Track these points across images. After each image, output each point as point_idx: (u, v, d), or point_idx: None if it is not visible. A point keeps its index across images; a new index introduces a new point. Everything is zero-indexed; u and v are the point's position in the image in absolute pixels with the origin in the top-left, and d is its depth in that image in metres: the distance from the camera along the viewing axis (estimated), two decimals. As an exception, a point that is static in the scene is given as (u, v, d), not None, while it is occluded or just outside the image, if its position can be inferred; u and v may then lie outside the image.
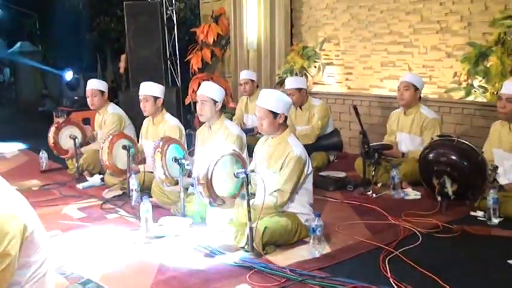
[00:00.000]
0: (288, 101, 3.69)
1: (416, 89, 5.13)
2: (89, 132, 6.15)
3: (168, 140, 4.34)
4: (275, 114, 3.60)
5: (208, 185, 3.49)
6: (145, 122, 5.32)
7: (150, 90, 5.05)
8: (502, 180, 4.31)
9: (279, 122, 3.63)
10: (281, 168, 3.59)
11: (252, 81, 6.79)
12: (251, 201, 3.49)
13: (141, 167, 4.86)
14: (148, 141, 5.16)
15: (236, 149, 3.74)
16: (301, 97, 5.93)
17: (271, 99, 3.62)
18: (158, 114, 5.12)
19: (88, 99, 5.92)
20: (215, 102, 4.30)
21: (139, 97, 5.09)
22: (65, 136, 5.83)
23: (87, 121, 7.44)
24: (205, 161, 3.52)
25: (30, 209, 2.30)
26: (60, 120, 6.16)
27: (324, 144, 5.89)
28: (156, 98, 5.05)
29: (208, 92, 4.32)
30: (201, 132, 4.55)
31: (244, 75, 6.85)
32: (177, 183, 4.24)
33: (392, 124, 5.38)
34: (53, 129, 5.86)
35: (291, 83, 5.97)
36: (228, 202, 3.59)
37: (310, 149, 5.62)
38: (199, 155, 4.46)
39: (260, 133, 6.52)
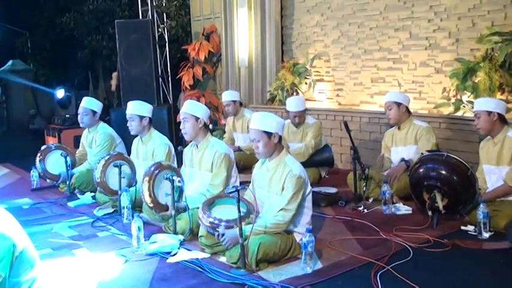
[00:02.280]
0: (280, 121, 3.70)
1: (399, 105, 5.18)
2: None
3: (158, 167, 4.36)
4: (269, 134, 3.61)
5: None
6: (134, 141, 5.32)
7: (135, 109, 5.07)
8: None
9: (274, 142, 3.64)
10: (282, 189, 3.61)
11: (234, 101, 6.80)
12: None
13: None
14: (139, 161, 5.16)
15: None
16: (304, 117, 5.96)
17: (263, 120, 3.64)
18: (146, 133, 5.12)
19: (79, 116, 5.93)
20: (197, 119, 4.29)
21: (126, 116, 5.11)
22: (54, 161, 5.84)
23: (78, 139, 7.44)
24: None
25: (18, 227, 2.28)
26: (44, 147, 6.13)
27: (315, 160, 5.90)
28: (141, 117, 5.06)
29: (189, 109, 4.32)
30: (188, 152, 4.53)
31: (225, 97, 6.85)
32: (167, 209, 4.29)
33: (387, 141, 5.41)
34: (37, 159, 5.86)
35: (292, 106, 5.89)
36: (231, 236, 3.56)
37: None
38: (189, 175, 4.48)
39: (240, 150, 6.57)
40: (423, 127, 5.14)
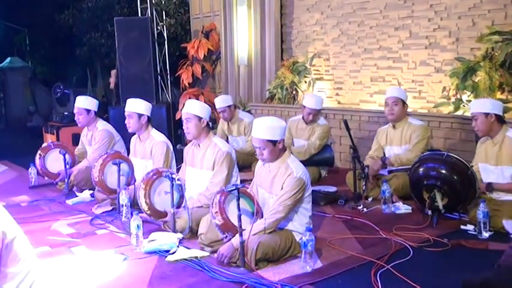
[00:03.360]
0: (283, 125, 3.66)
1: (404, 103, 5.18)
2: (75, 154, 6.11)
3: (156, 173, 4.33)
4: (274, 142, 3.59)
5: (226, 220, 3.56)
6: (132, 139, 5.29)
7: (133, 107, 5.05)
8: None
9: (279, 148, 3.62)
10: (281, 189, 3.59)
11: (229, 107, 6.72)
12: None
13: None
14: (137, 159, 5.14)
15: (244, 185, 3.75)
16: (317, 116, 5.96)
17: (266, 128, 3.59)
18: (143, 131, 5.09)
19: (75, 115, 5.92)
20: (200, 118, 4.28)
21: (125, 113, 5.09)
22: (53, 159, 5.84)
23: (76, 137, 7.41)
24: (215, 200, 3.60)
25: (10, 218, 2.27)
26: (44, 144, 6.11)
27: (315, 160, 5.88)
28: (140, 115, 5.03)
29: (191, 109, 4.31)
30: (189, 151, 4.51)
31: (220, 104, 6.73)
32: (165, 215, 4.27)
33: (381, 139, 5.38)
34: (37, 156, 5.85)
35: (311, 103, 5.87)
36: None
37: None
38: (190, 174, 4.46)
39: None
40: (418, 126, 5.14)
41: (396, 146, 5.23)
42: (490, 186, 4.27)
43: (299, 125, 6.05)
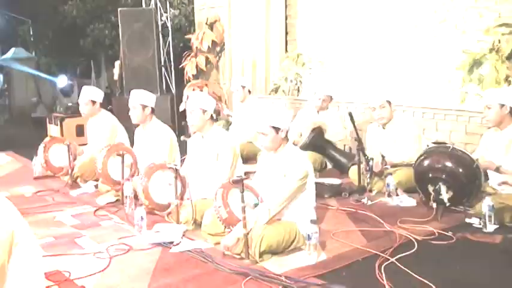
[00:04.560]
0: (288, 115, 3.66)
1: (390, 103, 5.10)
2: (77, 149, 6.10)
3: (152, 168, 4.32)
4: (277, 129, 3.58)
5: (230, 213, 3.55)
6: (136, 131, 5.29)
7: (138, 98, 5.04)
8: (491, 182, 4.36)
9: (282, 137, 3.61)
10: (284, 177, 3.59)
11: (243, 87, 6.76)
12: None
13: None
14: (141, 151, 5.13)
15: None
16: (328, 103, 6.00)
17: (272, 114, 3.59)
18: (147, 122, 5.09)
19: (80, 106, 5.91)
20: (204, 111, 4.28)
21: (129, 105, 5.08)
22: (55, 154, 5.83)
23: (80, 128, 7.41)
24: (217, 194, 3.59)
25: (19, 215, 2.26)
26: (48, 139, 6.09)
27: (336, 157, 5.84)
28: (144, 107, 5.03)
29: (195, 101, 4.31)
30: (193, 142, 4.51)
31: (235, 82, 6.85)
32: (168, 206, 4.26)
33: (374, 141, 5.28)
34: (41, 149, 5.84)
35: (321, 89, 5.97)
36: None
37: (325, 148, 5.71)
38: (194, 166, 4.45)
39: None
40: (403, 122, 5.10)
41: (391, 146, 5.18)
42: (498, 169, 4.25)
43: (310, 114, 6.05)
